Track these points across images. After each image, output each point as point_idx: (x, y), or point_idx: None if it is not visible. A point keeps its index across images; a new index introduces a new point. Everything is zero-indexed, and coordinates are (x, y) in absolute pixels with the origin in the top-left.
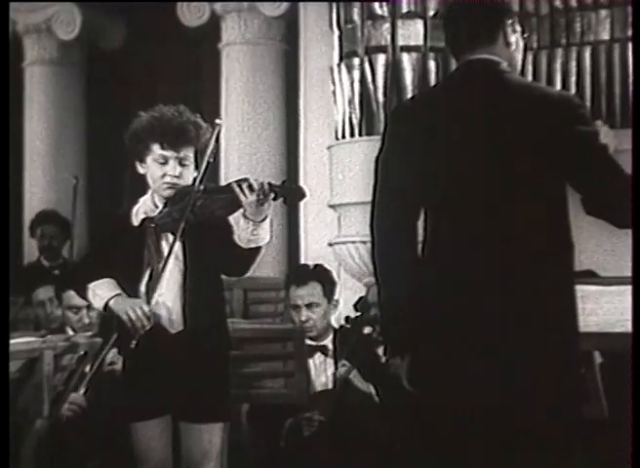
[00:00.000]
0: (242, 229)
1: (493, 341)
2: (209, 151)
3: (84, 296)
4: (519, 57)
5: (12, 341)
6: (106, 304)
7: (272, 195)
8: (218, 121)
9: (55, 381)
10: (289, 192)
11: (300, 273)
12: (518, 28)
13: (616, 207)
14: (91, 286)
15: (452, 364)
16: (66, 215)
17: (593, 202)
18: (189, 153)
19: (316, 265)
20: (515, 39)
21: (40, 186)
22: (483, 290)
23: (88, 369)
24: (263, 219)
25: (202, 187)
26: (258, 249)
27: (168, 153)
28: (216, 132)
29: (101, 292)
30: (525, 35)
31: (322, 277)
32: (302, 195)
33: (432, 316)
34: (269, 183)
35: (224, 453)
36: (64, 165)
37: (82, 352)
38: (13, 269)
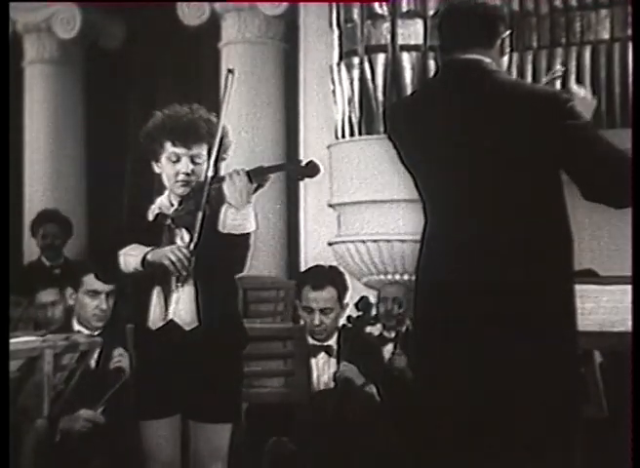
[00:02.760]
0: (223, 214)
1: (492, 340)
2: (218, 147)
3: (105, 277)
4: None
5: (12, 341)
6: (144, 259)
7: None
8: (230, 67)
9: (55, 380)
10: (301, 169)
11: (316, 275)
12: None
13: (612, 188)
14: (121, 252)
15: (450, 363)
16: (67, 214)
17: (590, 187)
18: (202, 151)
19: (331, 267)
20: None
21: (40, 185)
22: (481, 288)
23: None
24: (245, 206)
25: (214, 179)
26: (243, 241)
27: (180, 150)
28: (230, 81)
29: (135, 251)
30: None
31: (338, 282)
32: (317, 170)
33: (431, 316)
34: (273, 166)
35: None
36: (64, 164)
37: (82, 350)
38: (13, 268)
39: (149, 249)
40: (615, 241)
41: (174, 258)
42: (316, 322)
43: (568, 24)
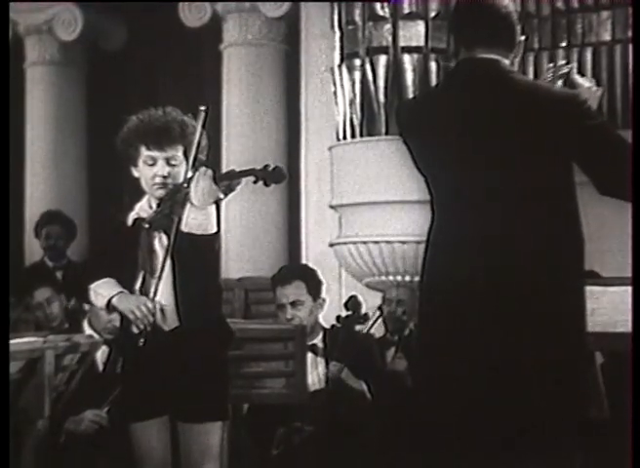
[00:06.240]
0: (186, 213)
1: (499, 340)
2: (194, 145)
3: (86, 300)
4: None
5: (13, 341)
6: (109, 302)
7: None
8: (201, 108)
9: (56, 381)
10: (268, 174)
11: (283, 273)
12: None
13: (627, 183)
14: (92, 286)
15: (454, 361)
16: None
17: (606, 182)
18: (177, 153)
19: (300, 265)
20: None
21: (41, 187)
22: (487, 288)
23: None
24: (206, 206)
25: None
26: (206, 242)
27: (155, 154)
28: (201, 119)
29: (103, 290)
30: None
31: (306, 275)
32: (283, 176)
33: (436, 316)
34: (237, 170)
35: (225, 453)
36: (65, 165)
37: (83, 351)
38: (14, 269)
39: (116, 292)
40: (617, 242)
41: (139, 314)
42: (288, 316)
43: (569, 26)
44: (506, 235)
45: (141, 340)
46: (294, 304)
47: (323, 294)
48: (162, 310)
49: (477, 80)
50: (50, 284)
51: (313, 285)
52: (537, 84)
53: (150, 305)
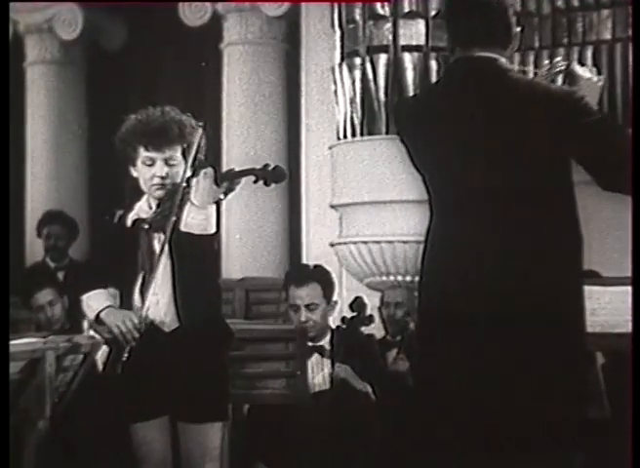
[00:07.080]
0: (185, 212)
1: (498, 342)
2: (194, 148)
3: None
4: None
5: (14, 342)
6: (97, 316)
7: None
8: (200, 123)
9: (57, 382)
10: (268, 174)
11: (300, 273)
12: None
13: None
14: (84, 298)
15: (454, 362)
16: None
17: (608, 177)
18: (175, 153)
19: (316, 266)
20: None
21: (42, 186)
22: (485, 288)
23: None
24: (206, 206)
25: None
26: (205, 242)
27: (153, 154)
28: (199, 133)
29: (93, 303)
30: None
31: (322, 278)
32: (283, 176)
33: (435, 317)
34: (237, 170)
35: (225, 453)
36: (66, 165)
37: (84, 352)
38: (15, 270)
39: (105, 306)
40: (617, 242)
41: (123, 329)
42: (302, 318)
43: (570, 25)
44: (504, 234)
45: (125, 355)
46: (308, 307)
47: (335, 297)
48: (162, 311)
49: (474, 78)
50: (52, 285)
51: (328, 287)
52: (534, 82)
53: (136, 320)
